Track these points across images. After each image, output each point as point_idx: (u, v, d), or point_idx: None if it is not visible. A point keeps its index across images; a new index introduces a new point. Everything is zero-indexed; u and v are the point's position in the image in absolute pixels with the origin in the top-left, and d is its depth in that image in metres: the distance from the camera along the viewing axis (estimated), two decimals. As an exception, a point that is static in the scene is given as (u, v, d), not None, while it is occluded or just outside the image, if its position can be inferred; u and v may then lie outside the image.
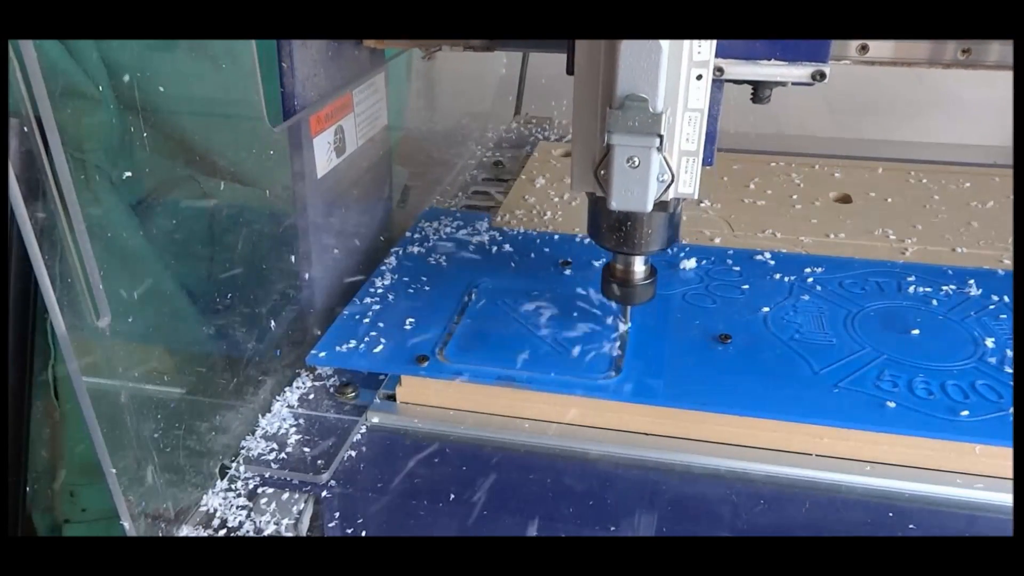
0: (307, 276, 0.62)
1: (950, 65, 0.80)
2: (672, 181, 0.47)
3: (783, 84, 0.50)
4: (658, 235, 0.52)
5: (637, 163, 0.45)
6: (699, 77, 0.45)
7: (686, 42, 0.44)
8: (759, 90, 0.52)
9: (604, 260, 0.71)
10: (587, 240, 0.75)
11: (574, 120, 0.49)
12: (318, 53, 0.61)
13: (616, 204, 0.46)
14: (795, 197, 0.85)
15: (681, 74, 0.45)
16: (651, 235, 0.52)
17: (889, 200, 0.84)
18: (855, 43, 0.82)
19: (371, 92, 0.71)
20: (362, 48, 0.66)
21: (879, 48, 0.81)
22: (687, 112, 0.46)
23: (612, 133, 0.44)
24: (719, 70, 0.49)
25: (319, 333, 0.62)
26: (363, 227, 0.74)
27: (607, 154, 0.45)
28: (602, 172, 0.46)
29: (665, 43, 0.42)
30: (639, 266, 0.55)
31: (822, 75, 0.49)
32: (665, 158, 0.46)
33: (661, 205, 0.49)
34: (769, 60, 0.49)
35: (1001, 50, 0.78)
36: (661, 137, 0.44)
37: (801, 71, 0.49)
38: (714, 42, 0.45)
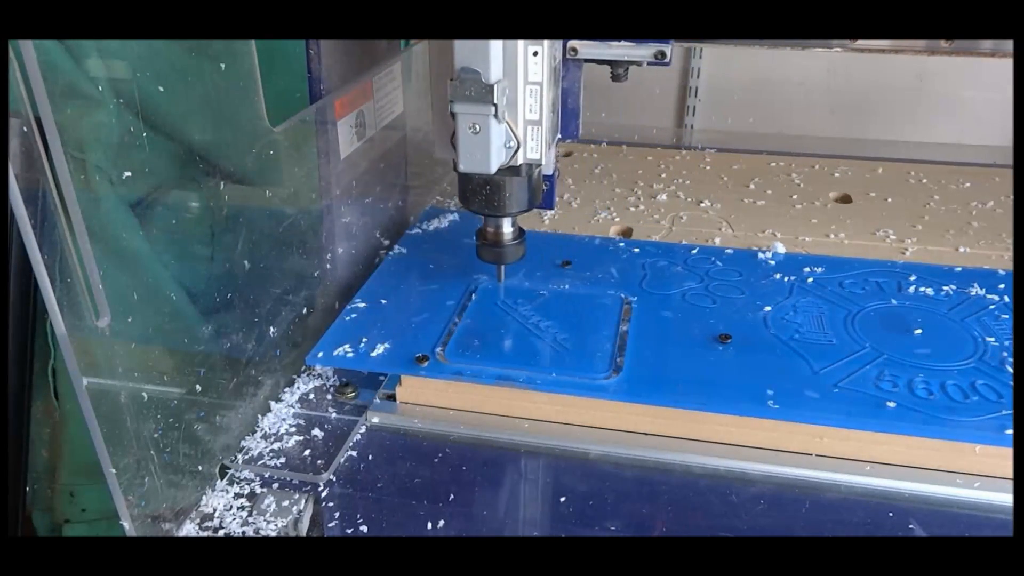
0: (330, 255, 0.65)
1: (945, 52, 0.80)
2: (518, 147, 0.53)
3: (637, 63, 0.57)
4: (517, 198, 0.57)
5: (478, 129, 0.51)
6: (535, 54, 0.52)
7: None
8: (614, 68, 0.59)
9: (604, 261, 0.72)
10: (587, 240, 0.75)
11: (433, 95, 0.55)
12: (341, 41, 0.64)
13: (463, 167, 0.52)
14: (795, 197, 0.85)
15: (518, 50, 0.51)
16: (511, 198, 0.57)
17: (889, 200, 0.84)
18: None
19: (389, 80, 0.76)
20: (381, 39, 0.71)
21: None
22: (528, 85, 0.52)
23: (453, 102, 0.50)
24: (573, 50, 0.57)
25: (319, 333, 0.62)
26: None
27: (455, 123, 0.52)
28: (454, 140, 0.52)
29: None
30: (507, 228, 0.61)
31: (663, 54, 0.56)
32: (510, 126, 0.53)
33: (513, 170, 0.55)
34: (618, 41, 0.56)
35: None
36: (496, 106, 0.50)
37: (644, 51, 0.56)
38: None
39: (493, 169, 0.52)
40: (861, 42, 0.80)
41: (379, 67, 0.73)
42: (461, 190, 0.58)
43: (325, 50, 0.63)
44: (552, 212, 0.82)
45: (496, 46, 0.49)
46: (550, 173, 0.63)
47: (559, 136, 0.60)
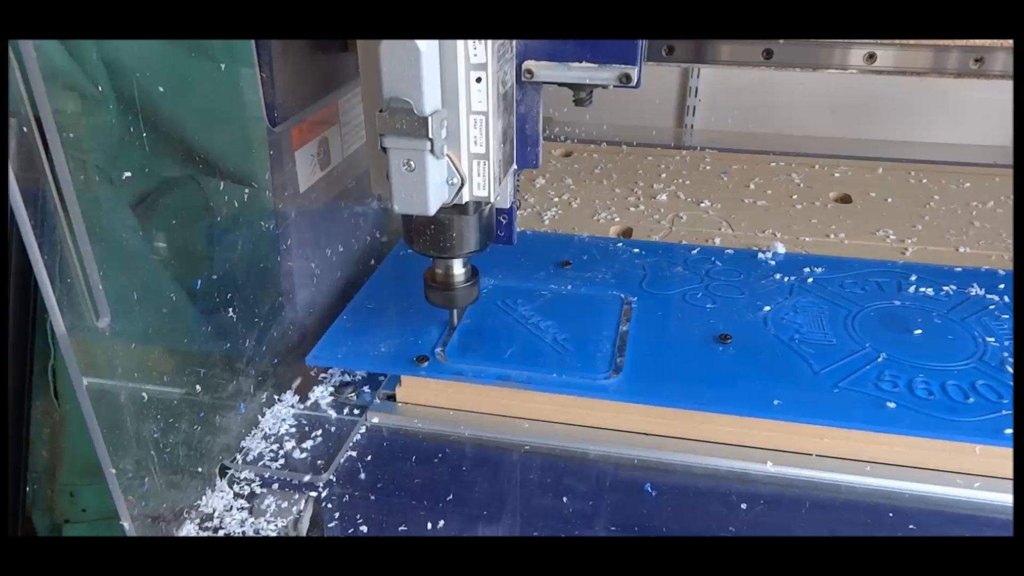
0: (290, 288, 0.60)
1: (953, 74, 0.81)
2: (463, 184, 0.47)
3: (603, 86, 0.50)
4: (466, 238, 0.51)
5: (413, 166, 0.44)
6: (479, 80, 0.45)
7: (460, 44, 0.44)
8: (576, 91, 0.52)
9: (604, 261, 0.72)
10: (587, 240, 0.75)
11: (367, 122, 0.49)
12: (300, 60, 0.57)
13: (398, 207, 0.46)
14: (795, 197, 0.85)
15: (459, 76, 0.44)
16: (458, 238, 0.51)
17: (889, 200, 0.84)
18: (862, 52, 0.83)
19: (359, 101, 0.67)
20: (349, 53, 0.63)
21: (885, 58, 0.82)
22: (472, 115, 0.46)
23: (383, 136, 0.44)
24: (529, 72, 0.50)
25: (319, 333, 0.62)
26: (358, 229, 0.74)
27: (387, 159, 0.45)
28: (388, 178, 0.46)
29: (423, 44, 0.41)
30: (458, 269, 0.55)
31: (628, 77, 0.49)
32: (452, 161, 0.46)
33: (460, 208, 0.49)
34: (580, 63, 0.49)
35: (1006, 59, 0.79)
36: (432, 140, 0.44)
37: (608, 74, 0.49)
38: (490, 43, 0.44)
39: (431, 210, 0.46)
40: (877, 64, 0.80)
41: (346, 86, 0.65)
42: (405, 229, 0.53)
43: (279, 72, 0.54)
44: (552, 212, 0.82)
45: (430, 72, 0.43)
46: (507, 207, 0.57)
47: (515, 167, 0.54)
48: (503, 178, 0.51)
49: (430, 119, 0.43)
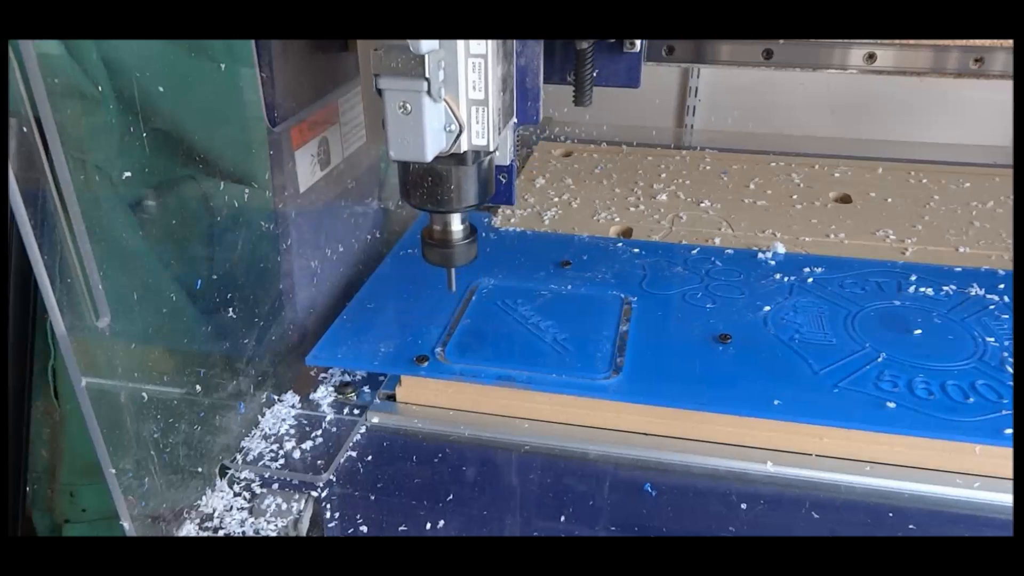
0: (290, 288, 0.60)
1: (953, 74, 0.81)
2: (461, 131, 0.45)
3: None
4: (464, 191, 0.49)
5: (409, 109, 0.43)
6: None
7: None
8: (576, 90, 0.53)
9: (604, 261, 0.72)
10: (587, 240, 0.75)
11: (362, 71, 0.47)
12: (300, 60, 0.56)
13: (394, 154, 0.44)
14: (795, 197, 0.85)
15: None
16: (456, 190, 0.49)
17: (889, 200, 0.84)
18: (862, 52, 0.83)
19: (359, 100, 0.67)
20: (349, 53, 0.62)
21: (885, 58, 0.82)
22: (470, 58, 0.44)
23: (378, 76, 0.42)
24: None
25: (319, 333, 0.62)
26: (358, 229, 0.74)
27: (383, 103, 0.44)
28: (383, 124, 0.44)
29: None
30: (456, 225, 0.52)
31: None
32: (450, 106, 0.44)
33: (458, 158, 0.47)
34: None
35: (1006, 59, 0.79)
36: (429, 81, 0.42)
37: None
38: None
39: (429, 156, 0.44)
40: (877, 64, 0.80)
41: (345, 86, 0.64)
42: (401, 182, 0.50)
43: (279, 71, 0.54)
44: (552, 212, 0.82)
45: None
46: (507, 163, 0.55)
47: (515, 121, 0.53)
48: (503, 129, 0.49)
49: (427, 57, 0.41)
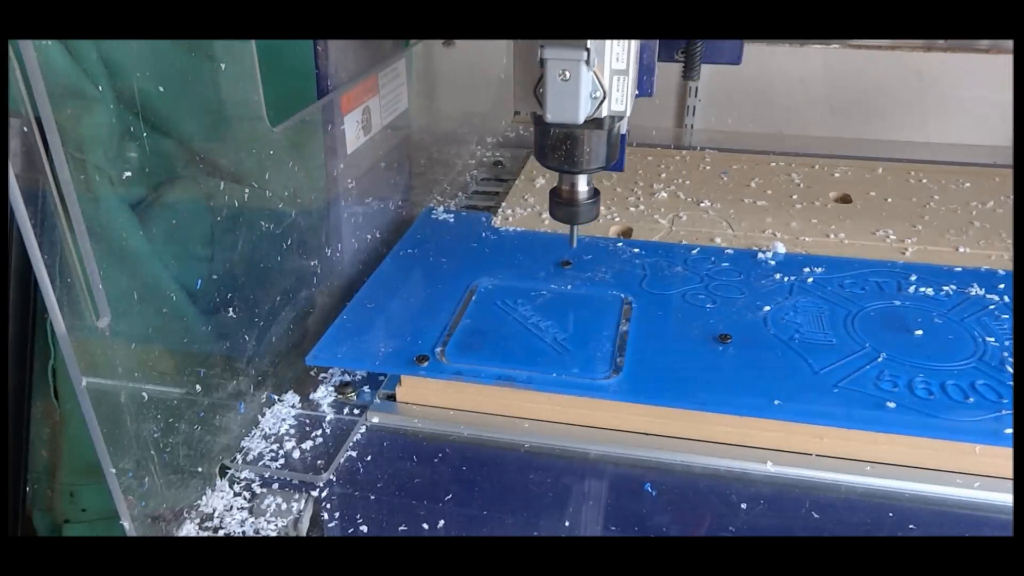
0: (329, 252, 0.64)
1: (942, 49, 0.82)
2: (604, 98, 0.51)
3: None
4: (596, 153, 0.54)
5: (568, 76, 0.48)
6: None
7: None
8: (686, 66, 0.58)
9: (604, 261, 0.72)
10: (587, 240, 0.75)
11: (515, 46, 0.52)
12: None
13: (551, 116, 0.50)
14: (795, 197, 0.85)
15: None
16: (590, 153, 0.54)
17: (889, 200, 0.84)
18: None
19: (393, 76, 0.77)
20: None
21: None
22: None
23: (543, 46, 0.47)
24: None
25: (319, 333, 0.62)
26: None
27: (543, 72, 0.49)
28: (540, 90, 0.50)
29: None
30: (583, 186, 0.58)
31: None
32: (596, 75, 0.50)
33: (596, 123, 0.52)
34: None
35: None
36: (588, 50, 0.47)
37: None
38: None
39: (581, 119, 0.50)
40: (859, 39, 0.81)
41: (384, 63, 0.74)
42: (539, 146, 0.56)
43: (332, 46, 0.63)
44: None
45: None
46: (624, 132, 0.60)
47: (636, 93, 0.57)
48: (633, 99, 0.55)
49: None
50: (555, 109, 0.50)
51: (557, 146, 0.54)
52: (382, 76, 0.74)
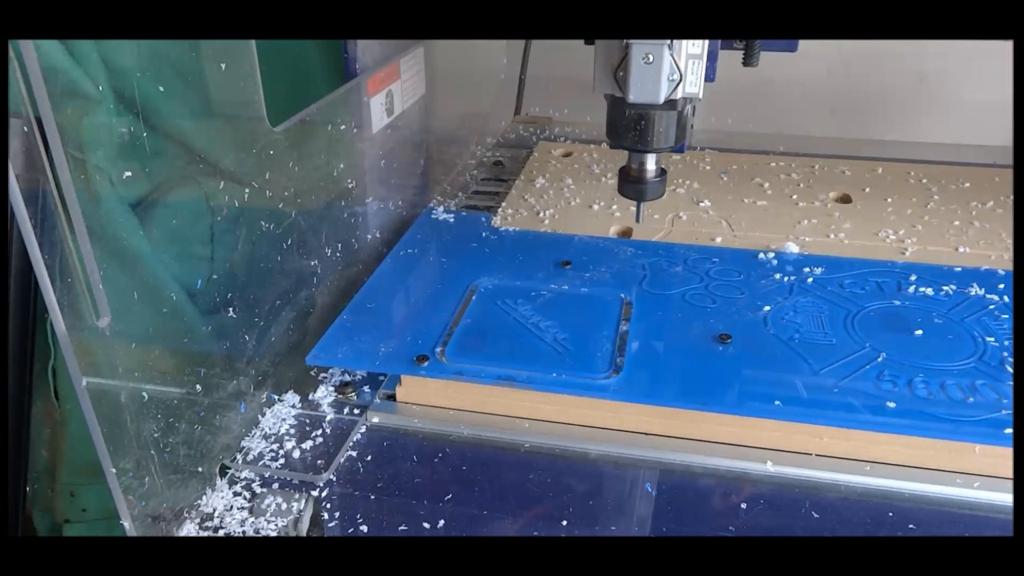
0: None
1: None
2: (680, 80, 0.54)
3: None
4: (666, 134, 0.58)
5: (651, 60, 0.53)
6: None
7: None
8: (746, 51, 0.63)
9: (604, 261, 0.72)
10: (587, 240, 0.75)
11: (595, 67, 0.57)
12: None
13: (633, 97, 0.54)
14: (795, 197, 0.85)
15: None
16: (661, 133, 0.58)
17: (889, 200, 0.84)
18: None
19: (413, 63, 0.83)
20: None
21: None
22: None
23: None
24: None
25: (319, 333, 0.62)
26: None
27: (626, 55, 0.54)
28: (620, 73, 0.54)
29: None
30: (651, 165, 0.62)
31: None
32: (674, 59, 0.54)
33: (670, 104, 0.56)
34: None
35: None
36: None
37: None
38: None
39: (662, 99, 0.54)
40: None
41: (407, 50, 0.80)
42: (612, 126, 0.59)
43: None
44: (552, 212, 0.82)
45: None
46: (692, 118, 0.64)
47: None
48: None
49: None
50: (638, 90, 0.54)
51: (631, 126, 0.58)
52: (404, 63, 0.79)
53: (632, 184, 0.63)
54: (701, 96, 0.56)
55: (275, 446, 0.55)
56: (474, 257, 0.73)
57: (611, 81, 0.55)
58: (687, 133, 0.62)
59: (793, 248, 0.73)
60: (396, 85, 0.78)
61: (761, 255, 0.72)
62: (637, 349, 0.59)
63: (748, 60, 0.64)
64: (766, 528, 0.48)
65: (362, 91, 0.70)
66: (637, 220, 0.67)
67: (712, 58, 0.62)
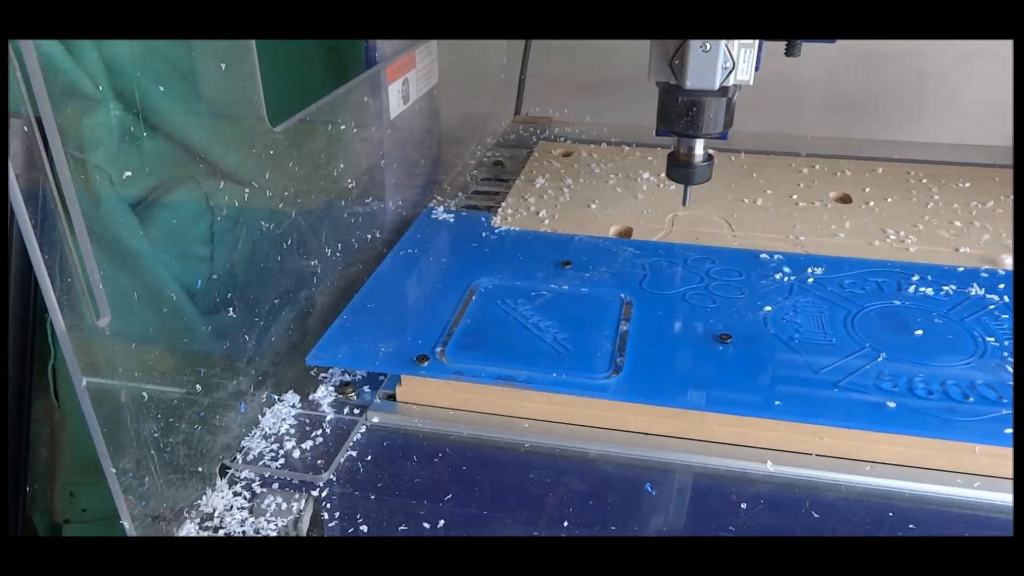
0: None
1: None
2: (733, 68, 0.57)
3: None
4: (716, 120, 0.61)
5: (708, 48, 0.55)
6: None
7: None
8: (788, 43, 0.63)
9: (604, 261, 0.72)
10: (587, 240, 0.75)
11: (655, 55, 0.59)
12: None
13: (690, 83, 0.57)
14: (795, 197, 0.85)
15: None
16: (712, 119, 0.60)
17: (889, 200, 0.84)
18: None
19: (427, 54, 0.88)
20: None
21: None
22: None
23: None
24: None
25: (319, 333, 0.62)
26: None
27: (682, 44, 0.56)
28: (676, 62, 0.57)
29: None
30: (699, 150, 0.64)
31: None
32: (728, 48, 0.56)
33: (722, 91, 0.58)
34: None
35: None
36: None
37: None
38: None
39: (717, 85, 0.57)
40: None
41: (420, 41, 0.84)
42: (664, 112, 0.61)
43: None
44: (552, 212, 0.82)
45: None
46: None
47: None
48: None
49: None
50: (694, 77, 0.56)
51: (683, 112, 0.60)
52: (418, 52, 0.84)
53: (681, 168, 0.65)
54: (752, 83, 0.58)
55: (275, 446, 0.55)
56: (474, 257, 0.73)
57: (666, 69, 0.58)
58: (733, 119, 0.64)
59: (782, 248, 0.73)
60: (411, 74, 0.83)
61: (763, 255, 0.72)
62: (637, 349, 0.59)
63: (790, 51, 0.66)
64: (766, 528, 0.48)
65: (381, 79, 0.75)
66: (683, 203, 0.69)
67: (759, 48, 0.63)
